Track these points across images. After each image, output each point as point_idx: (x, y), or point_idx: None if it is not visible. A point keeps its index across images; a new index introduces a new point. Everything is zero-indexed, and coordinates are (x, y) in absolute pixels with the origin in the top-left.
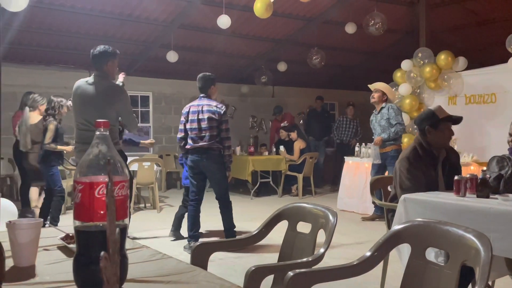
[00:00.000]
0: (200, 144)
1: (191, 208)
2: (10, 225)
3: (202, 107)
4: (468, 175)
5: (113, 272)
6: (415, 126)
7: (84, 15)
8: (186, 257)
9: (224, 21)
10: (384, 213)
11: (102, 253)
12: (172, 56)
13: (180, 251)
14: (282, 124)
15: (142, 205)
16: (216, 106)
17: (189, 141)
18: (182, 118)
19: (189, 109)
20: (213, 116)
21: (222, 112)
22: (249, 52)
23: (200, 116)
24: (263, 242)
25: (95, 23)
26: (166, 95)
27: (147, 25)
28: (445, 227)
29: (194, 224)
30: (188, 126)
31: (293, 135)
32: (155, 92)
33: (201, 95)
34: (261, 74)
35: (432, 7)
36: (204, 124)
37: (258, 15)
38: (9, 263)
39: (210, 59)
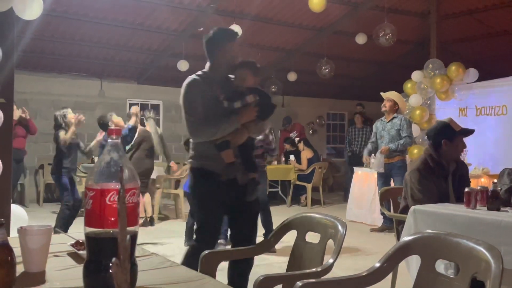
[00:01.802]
0: None
1: None
2: (21, 231)
3: None
4: (478, 187)
5: (123, 279)
6: (425, 138)
7: (96, 23)
8: None
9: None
10: (392, 224)
11: (113, 259)
12: (183, 65)
13: None
14: (291, 134)
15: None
16: None
17: None
18: None
19: None
20: None
21: None
22: (259, 62)
23: None
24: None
25: (107, 31)
26: (177, 104)
27: (158, 34)
28: (455, 239)
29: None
30: None
31: (300, 145)
32: (166, 101)
33: None
34: (271, 84)
35: (443, 18)
36: None
37: (315, 9)
38: (19, 268)
39: None
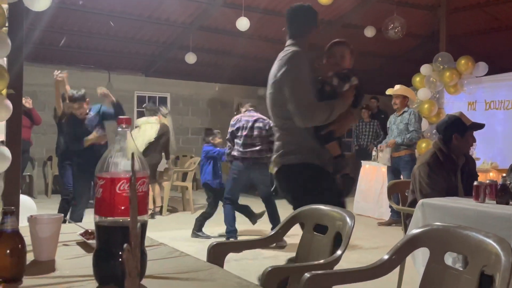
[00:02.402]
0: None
1: (229, 207)
2: (31, 219)
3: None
4: (487, 181)
5: (134, 265)
6: (435, 132)
7: (104, 16)
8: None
9: (243, 23)
10: (400, 218)
11: (125, 245)
12: (190, 58)
13: (195, 251)
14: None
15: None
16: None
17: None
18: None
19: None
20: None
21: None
22: (267, 54)
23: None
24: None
25: (115, 24)
26: (184, 97)
27: (166, 26)
28: (464, 231)
29: (235, 219)
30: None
31: None
32: (173, 93)
33: None
34: None
35: (453, 11)
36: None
37: (324, 2)
38: (29, 257)
39: (229, 61)
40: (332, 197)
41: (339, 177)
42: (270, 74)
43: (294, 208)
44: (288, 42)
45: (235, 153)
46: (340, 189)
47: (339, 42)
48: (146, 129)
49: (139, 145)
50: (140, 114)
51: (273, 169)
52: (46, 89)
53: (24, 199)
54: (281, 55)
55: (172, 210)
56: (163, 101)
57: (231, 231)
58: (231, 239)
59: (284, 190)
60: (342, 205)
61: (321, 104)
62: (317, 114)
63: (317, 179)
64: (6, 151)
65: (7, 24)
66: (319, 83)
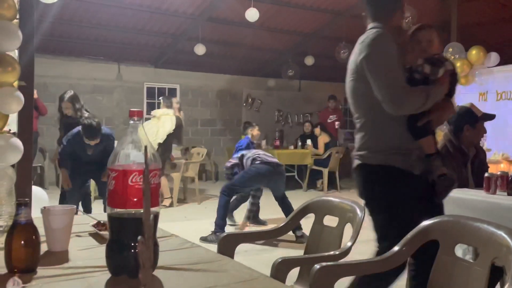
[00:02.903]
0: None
1: (227, 199)
2: (45, 211)
3: None
4: (499, 173)
5: (148, 257)
6: (445, 123)
7: (114, 7)
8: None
9: (252, 14)
10: None
11: (139, 237)
12: (199, 49)
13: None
14: (330, 117)
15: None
16: None
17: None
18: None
19: None
20: None
21: None
22: (276, 45)
23: None
24: (288, 237)
25: (124, 15)
26: (193, 88)
27: (175, 18)
28: (475, 223)
29: (226, 214)
30: None
31: (317, 130)
32: (182, 85)
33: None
34: (288, 68)
35: (464, 0)
36: None
37: None
38: (43, 248)
39: (238, 52)
40: (420, 203)
41: (434, 179)
42: (350, 60)
43: (371, 213)
44: (370, 25)
45: (258, 159)
46: (434, 192)
47: (423, 26)
48: (166, 121)
49: (160, 136)
50: (150, 106)
51: (352, 166)
52: (56, 80)
53: (36, 190)
54: (361, 38)
55: (180, 201)
56: (172, 92)
57: (220, 225)
58: (222, 234)
59: (361, 189)
60: (438, 210)
61: (415, 89)
62: (411, 100)
63: (398, 184)
64: (18, 143)
65: (18, 16)
66: (407, 71)
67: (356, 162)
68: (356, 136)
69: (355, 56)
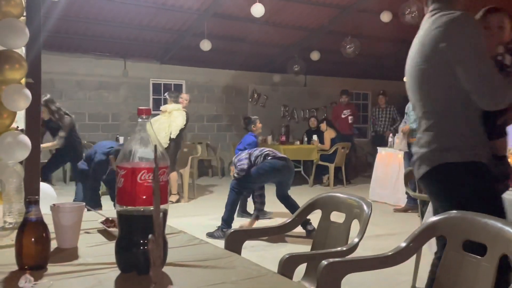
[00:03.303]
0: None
1: (237, 196)
2: (54, 208)
3: None
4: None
5: (158, 254)
6: None
7: (119, 3)
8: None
9: (258, 9)
10: (416, 205)
11: (149, 236)
12: (205, 45)
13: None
14: (344, 111)
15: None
16: None
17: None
18: None
19: None
20: None
21: None
22: (282, 41)
23: None
24: (295, 233)
25: (130, 11)
26: (199, 84)
27: (181, 13)
28: (483, 219)
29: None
30: None
31: (323, 126)
32: (188, 81)
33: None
34: (294, 63)
35: None
36: None
37: None
38: (52, 244)
39: (243, 48)
40: (499, 206)
41: (501, 185)
42: (414, 47)
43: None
44: (435, 6)
45: (270, 154)
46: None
47: (493, 9)
48: (178, 116)
49: (173, 131)
50: (156, 102)
51: (420, 169)
52: (62, 77)
53: (44, 187)
54: (429, 19)
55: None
56: (178, 88)
57: (228, 221)
58: (229, 230)
59: (436, 194)
60: (503, 216)
61: (507, 80)
62: (505, 92)
63: (487, 182)
64: (26, 140)
65: (24, 14)
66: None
67: (431, 164)
68: (424, 135)
69: (430, 40)
